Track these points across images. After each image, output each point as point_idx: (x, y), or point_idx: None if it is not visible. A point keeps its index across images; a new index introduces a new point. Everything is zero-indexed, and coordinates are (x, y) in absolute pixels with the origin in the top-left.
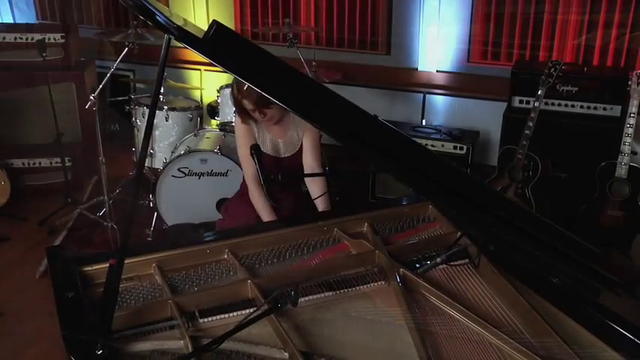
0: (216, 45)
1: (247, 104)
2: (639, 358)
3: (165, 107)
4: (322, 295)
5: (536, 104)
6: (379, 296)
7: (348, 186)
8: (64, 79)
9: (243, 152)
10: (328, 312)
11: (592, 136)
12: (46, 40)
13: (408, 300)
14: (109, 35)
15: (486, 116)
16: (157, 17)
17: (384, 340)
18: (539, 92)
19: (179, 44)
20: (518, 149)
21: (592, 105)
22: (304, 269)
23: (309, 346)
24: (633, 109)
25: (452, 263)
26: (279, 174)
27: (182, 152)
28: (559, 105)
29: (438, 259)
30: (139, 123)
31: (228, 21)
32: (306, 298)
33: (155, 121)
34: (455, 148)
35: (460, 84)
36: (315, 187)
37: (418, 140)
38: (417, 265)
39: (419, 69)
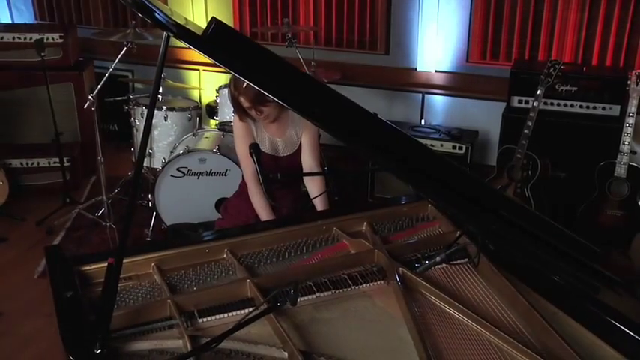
0: (216, 42)
1: (244, 101)
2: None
3: (164, 107)
4: (321, 294)
5: (536, 104)
6: (378, 295)
7: (346, 186)
8: (63, 79)
9: (242, 151)
10: (327, 311)
11: (591, 136)
12: (45, 40)
13: (407, 299)
14: (108, 35)
15: (485, 116)
16: (156, 14)
17: (383, 339)
18: (538, 92)
19: (179, 44)
20: (518, 149)
21: (591, 104)
22: (303, 268)
23: (309, 345)
24: (632, 108)
25: (451, 262)
26: (278, 173)
27: (181, 152)
28: (558, 105)
29: (438, 258)
30: (137, 123)
31: (227, 21)
32: (306, 298)
33: (154, 121)
34: (454, 147)
35: (459, 84)
36: (313, 187)
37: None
38: (417, 265)
39: (418, 69)
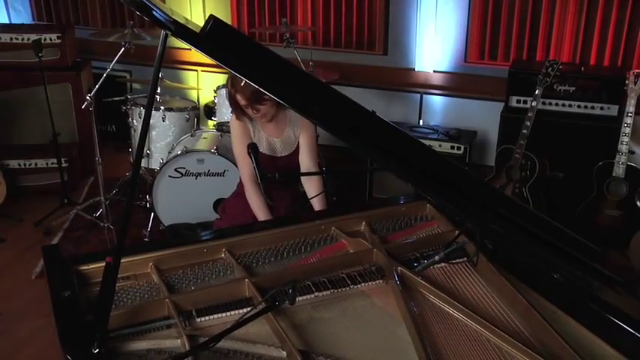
0: (214, 40)
1: (241, 99)
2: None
3: (162, 107)
4: (320, 293)
5: (534, 104)
6: (377, 295)
7: (344, 186)
8: (61, 80)
9: (239, 151)
10: (326, 311)
11: (589, 136)
12: (42, 41)
13: (406, 298)
14: (106, 35)
15: (484, 116)
16: (154, 12)
17: (382, 338)
18: (536, 92)
19: (177, 44)
20: (516, 149)
21: (589, 104)
22: (302, 268)
23: (307, 344)
24: (630, 108)
25: (450, 261)
26: (276, 173)
27: (179, 152)
28: (556, 104)
29: (436, 258)
30: (135, 123)
31: (226, 21)
32: (304, 297)
33: (152, 121)
34: (452, 148)
35: (457, 84)
36: (311, 187)
37: None
38: (415, 264)
39: (416, 69)
